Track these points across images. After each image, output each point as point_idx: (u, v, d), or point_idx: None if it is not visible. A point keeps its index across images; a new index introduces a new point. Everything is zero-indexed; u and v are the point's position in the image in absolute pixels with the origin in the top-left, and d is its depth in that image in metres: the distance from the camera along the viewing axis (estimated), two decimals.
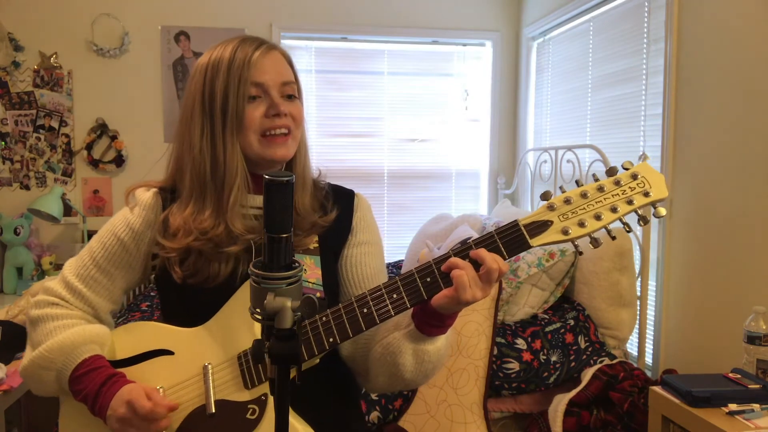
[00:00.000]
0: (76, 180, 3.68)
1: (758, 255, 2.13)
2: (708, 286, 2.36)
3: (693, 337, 2.45)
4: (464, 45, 4.09)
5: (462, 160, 4.15)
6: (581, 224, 0.96)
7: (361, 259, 1.22)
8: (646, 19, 2.79)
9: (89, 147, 3.66)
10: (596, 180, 1.00)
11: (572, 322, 2.56)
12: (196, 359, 1.11)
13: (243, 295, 1.10)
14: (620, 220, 0.98)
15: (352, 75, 4.01)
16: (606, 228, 0.98)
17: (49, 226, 3.58)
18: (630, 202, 0.98)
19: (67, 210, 3.52)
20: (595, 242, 0.97)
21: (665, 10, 2.59)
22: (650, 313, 2.68)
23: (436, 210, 3.94)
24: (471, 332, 2.32)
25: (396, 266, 3.78)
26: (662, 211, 0.98)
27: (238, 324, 1.09)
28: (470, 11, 4.02)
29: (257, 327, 1.07)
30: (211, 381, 1.08)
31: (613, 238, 1.01)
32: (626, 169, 1.00)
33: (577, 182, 1.01)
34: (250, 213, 1.17)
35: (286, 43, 3.87)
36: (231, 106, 1.12)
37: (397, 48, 4.02)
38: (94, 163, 3.67)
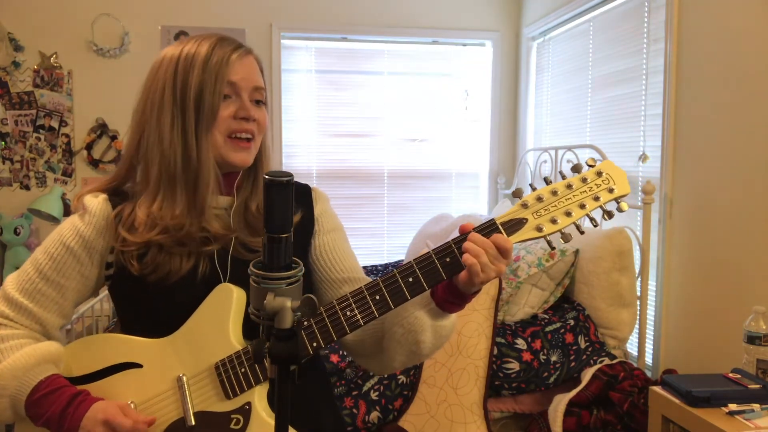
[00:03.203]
0: (76, 180, 3.69)
1: (758, 255, 2.13)
2: (708, 286, 2.36)
3: (693, 337, 2.45)
4: (464, 45, 4.09)
5: (462, 160, 4.15)
6: (553, 221, 1.01)
7: (333, 244, 1.24)
8: (646, 19, 2.79)
9: (89, 147, 3.66)
10: (564, 178, 1.05)
11: (572, 322, 2.55)
12: (168, 371, 1.07)
13: (211, 304, 1.09)
14: (587, 215, 1.03)
15: (352, 75, 4.01)
16: (575, 223, 1.03)
17: (49, 226, 3.58)
18: (596, 199, 1.03)
19: (67, 210, 3.51)
20: (566, 238, 1.02)
21: (665, 10, 2.59)
22: (650, 313, 2.68)
23: (436, 210, 3.94)
24: (471, 332, 2.32)
25: (396, 266, 3.78)
26: (625, 206, 1.03)
27: (210, 333, 1.07)
28: (470, 11, 4.02)
29: (234, 335, 1.07)
30: (188, 392, 1.06)
31: (582, 233, 1.06)
32: (591, 166, 1.05)
33: (545, 180, 1.05)
34: (212, 213, 1.15)
35: (286, 43, 3.87)
36: (206, 102, 1.10)
37: (397, 48, 4.02)
38: (94, 163, 3.67)
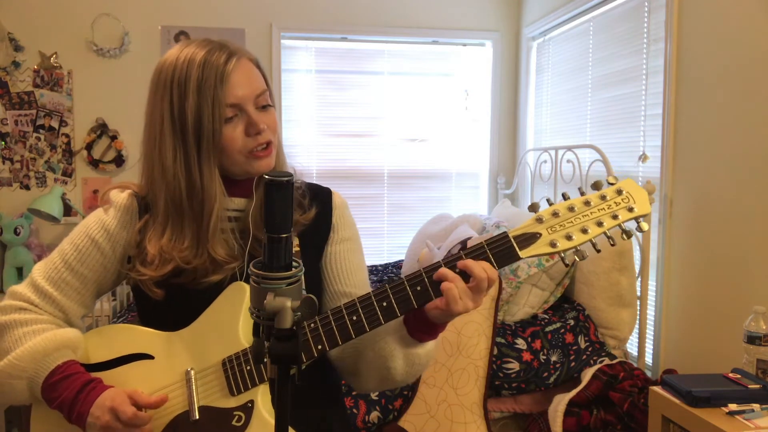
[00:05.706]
0: (76, 180, 3.68)
1: (758, 255, 2.13)
2: (708, 286, 2.36)
3: (693, 337, 2.45)
4: (464, 45, 4.09)
5: (462, 160, 4.15)
6: (568, 237, 0.99)
7: (345, 255, 1.23)
8: (646, 19, 2.79)
9: (89, 147, 3.66)
10: (582, 194, 1.02)
11: (572, 322, 2.56)
12: (178, 364, 1.09)
13: (225, 300, 1.09)
14: (605, 233, 1.00)
15: (352, 75, 4.01)
16: (591, 241, 1.00)
17: (49, 226, 3.58)
18: (615, 217, 1.00)
19: (67, 210, 3.52)
20: (581, 255, 0.99)
21: (665, 10, 2.58)
22: (650, 313, 2.68)
23: (436, 210, 3.94)
24: (471, 332, 2.32)
25: (396, 266, 3.78)
26: (645, 226, 1.00)
27: (220, 330, 1.08)
28: (470, 11, 4.02)
29: (243, 333, 1.07)
30: (194, 386, 1.07)
31: (598, 251, 1.02)
32: (611, 183, 1.03)
33: (563, 195, 1.03)
34: (227, 215, 1.15)
35: (286, 43, 3.87)
36: (206, 130, 1.06)
37: (397, 48, 4.02)
38: (94, 163, 3.67)
